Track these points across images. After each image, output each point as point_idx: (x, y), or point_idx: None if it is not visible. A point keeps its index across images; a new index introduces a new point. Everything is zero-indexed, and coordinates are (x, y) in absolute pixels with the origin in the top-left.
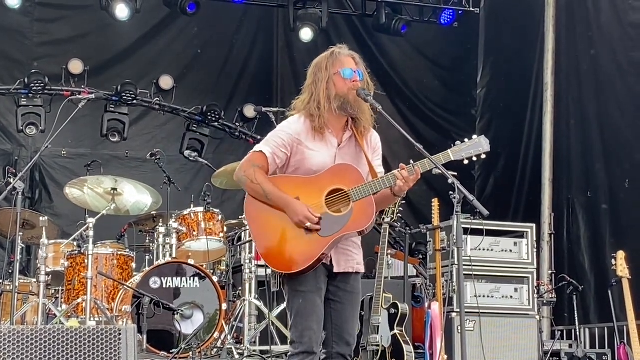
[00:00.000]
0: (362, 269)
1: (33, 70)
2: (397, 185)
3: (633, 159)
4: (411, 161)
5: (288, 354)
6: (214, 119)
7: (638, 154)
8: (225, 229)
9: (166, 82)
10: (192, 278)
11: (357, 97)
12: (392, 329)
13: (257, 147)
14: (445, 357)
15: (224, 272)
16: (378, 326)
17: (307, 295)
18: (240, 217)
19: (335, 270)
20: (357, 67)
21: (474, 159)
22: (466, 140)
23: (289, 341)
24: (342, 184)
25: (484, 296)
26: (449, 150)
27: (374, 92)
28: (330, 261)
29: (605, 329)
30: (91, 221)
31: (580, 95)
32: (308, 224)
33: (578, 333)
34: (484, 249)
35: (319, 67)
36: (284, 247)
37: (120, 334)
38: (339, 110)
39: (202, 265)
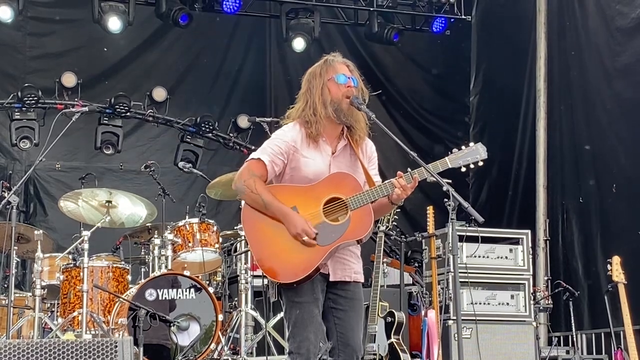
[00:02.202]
0: (360, 279)
1: (26, 84)
2: (394, 193)
3: (619, 164)
4: (409, 169)
5: None
6: (207, 129)
7: (624, 158)
8: (220, 239)
9: (159, 93)
10: (187, 289)
11: (351, 105)
12: (388, 337)
13: (254, 155)
14: None
15: (220, 283)
16: (375, 335)
17: (303, 306)
18: (235, 227)
19: (332, 279)
20: (351, 74)
21: (471, 166)
22: (463, 147)
23: (287, 352)
24: (340, 193)
25: (480, 303)
26: (446, 158)
27: (369, 95)
28: (327, 270)
29: (602, 334)
30: (86, 234)
31: (571, 101)
32: (305, 238)
33: (575, 339)
34: (479, 256)
35: (313, 75)
36: (281, 256)
37: (116, 347)
38: (334, 116)
39: (197, 277)
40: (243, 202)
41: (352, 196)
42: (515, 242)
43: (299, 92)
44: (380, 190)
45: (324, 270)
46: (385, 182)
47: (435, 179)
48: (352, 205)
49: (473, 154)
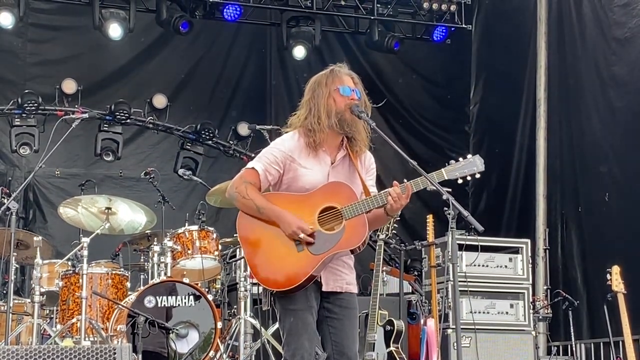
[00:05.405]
0: (353, 289)
1: (26, 91)
2: (388, 203)
3: (612, 173)
4: (405, 180)
5: None
6: (207, 137)
7: (616, 167)
8: (219, 247)
9: (160, 101)
10: (187, 297)
11: (352, 114)
12: (387, 346)
13: (249, 164)
14: None
15: (219, 291)
16: (374, 343)
17: (297, 314)
18: (234, 235)
19: (324, 289)
20: (355, 87)
21: (468, 178)
22: (460, 159)
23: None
24: (335, 202)
25: (479, 312)
26: (442, 170)
27: (372, 107)
28: (320, 279)
29: (601, 344)
30: (85, 240)
31: (569, 110)
32: (302, 235)
33: (574, 348)
34: (479, 265)
35: (318, 83)
36: (275, 264)
37: (115, 353)
38: (337, 126)
39: (197, 284)
40: (239, 211)
41: (347, 205)
42: (515, 251)
43: (302, 99)
44: (375, 200)
45: (318, 279)
46: (381, 192)
47: (435, 188)
48: (347, 215)
49: (470, 166)
